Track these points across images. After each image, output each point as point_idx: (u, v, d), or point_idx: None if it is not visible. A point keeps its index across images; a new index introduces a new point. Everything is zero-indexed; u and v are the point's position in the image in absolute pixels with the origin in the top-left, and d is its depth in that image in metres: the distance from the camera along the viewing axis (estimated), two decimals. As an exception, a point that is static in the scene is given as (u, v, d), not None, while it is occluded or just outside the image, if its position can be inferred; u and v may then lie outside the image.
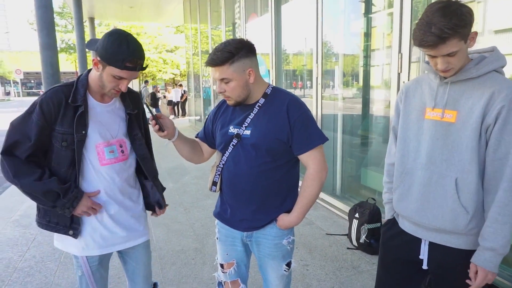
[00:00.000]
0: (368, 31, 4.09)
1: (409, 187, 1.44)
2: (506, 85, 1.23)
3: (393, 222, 1.58)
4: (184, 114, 15.96)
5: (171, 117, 15.11)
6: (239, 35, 7.17)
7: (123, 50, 1.37)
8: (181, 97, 15.77)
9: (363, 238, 2.98)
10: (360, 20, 4.23)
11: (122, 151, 1.59)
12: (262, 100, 1.55)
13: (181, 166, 6.14)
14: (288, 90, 1.94)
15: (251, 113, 1.54)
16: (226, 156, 1.59)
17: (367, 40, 4.11)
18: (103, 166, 1.54)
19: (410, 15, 2.79)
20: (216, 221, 1.74)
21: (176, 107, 16.01)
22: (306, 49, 5.02)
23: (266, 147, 1.50)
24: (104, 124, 1.55)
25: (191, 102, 13.53)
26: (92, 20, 14.95)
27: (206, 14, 9.17)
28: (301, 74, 5.52)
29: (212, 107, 9.33)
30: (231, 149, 1.57)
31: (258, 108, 1.54)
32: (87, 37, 14.69)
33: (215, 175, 1.64)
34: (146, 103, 1.69)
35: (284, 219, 1.56)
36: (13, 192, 5.05)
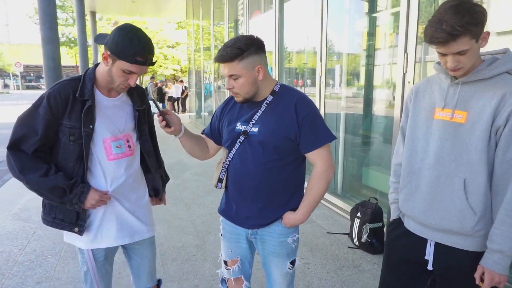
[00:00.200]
0: (373, 31, 4.08)
1: (416, 187, 1.43)
2: None
3: (398, 222, 1.58)
4: (184, 110, 15.94)
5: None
6: (242, 32, 7.15)
7: (134, 45, 1.36)
8: (182, 93, 15.74)
9: (364, 237, 2.98)
10: (365, 19, 4.22)
11: (129, 146, 1.59)
12: (270, 98, 1.54)
13: (181, 162, 6.13)
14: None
15: (259, 110, 1.53)
16: (233, 153, 1.58)
17: (372, 39, 4.09)
18: (110, 161, 1.53)
19: (417, 15, 2.77)
20: (221, 218, 1.74)
21: (176, 103, 15.99)
22: (310, 47, 5.00)
23: (274, 145, 1.49)
24: (111, 119, 1.54)
25: (191, 98, 13.51)
26: (93, 14, 14.89)
27: (208, 10, 9.13)
28: (302, 72, 5.50)
29: (213, 103, 9.31)
30: (238, 146, 1.56)
31: (266, 105, 1.53)
32: (88, 31, 14.64)
33: (221, 171, 1.63)
34: (153, 99, 1.68)
35: (290, 217, 1.56)
36: (13, 185, 5.03)
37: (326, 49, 4.19)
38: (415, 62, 2.85)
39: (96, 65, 1.54)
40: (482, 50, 1.29)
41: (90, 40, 15.15)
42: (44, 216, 1.56)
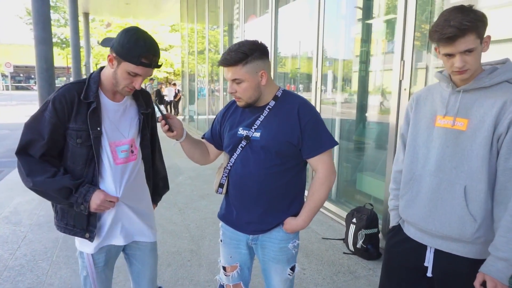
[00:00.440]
0: (369, 37, 4.12)
1: (417, 194, 1.44)
2: None
3: (398, 228, 1.58)
4: (177, 114, 15.86)
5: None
6: (237, 36, 7.16)
7: (139, 46, 1.36)
8: (175, 96, 15.67)
9: (360, 243, 2.98)
10: (361, 26, 4.26)
11: (132, 151, 1.57)
12: (272, 103, 1.54)
13: (175, 166, 6.09)
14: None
15: (261, 115, 1.53)
16: (234, 158, 1.57)
17: (368, 46, 4.14)
18: (117, 165, 1.52)
19: (414, 22, 2.81)
20: (221, 223, 1.72)
21: (169, 106, 15.90)
22: (305, 52, 5.03)
23: (276, 150, 1.49)
24: (116, 123, 1.52)
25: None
26: (86, 15, 14.80)
27: (203, 13, 9.13)
28: (295, 77, 5.53)
29: (207, 107, 9.29)
30: (240, 151, 1.55)
31: (268, 110, 1.53)
32: (81, 32, 14.51)
33: (222, 176, 1.62)
34: (155, 102, 1.66)
35: (291, 222, 1.55)
36: (2, 188, 4.94)
37: (323, 55, 4.22)
38: (411, 69, 2.89)
39: (102, 68, 1.53)
40: (482, 60, 1.31)
41: (82, 42, 15.01)
42: (57, 222, 1.56)
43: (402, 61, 2.93)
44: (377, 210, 3.19)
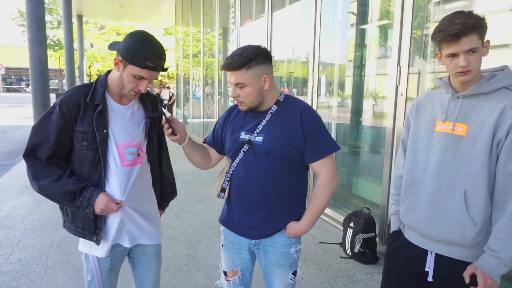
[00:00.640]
0: (365, 42, 4.16)
1: (417, 198, 1.45)
2: None
3: (398, 233, 1.59)
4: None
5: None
6: (232, 40, 7.18)
7: (145, 49, 1.36)
8: (169, 100, 15.61)
9: (357, 247, 2.99)
10: (356, 31, 4.31)
11: (139, 154, 1.57)
12: (274, 107, 1.54)
13: (170, 170, 6.05)
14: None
15: (263, 120, 1.53)
16: (236, 162, 1.57)
17: (364, 51, 4.18)
18: (124, 167, 1.52)
19: (410, 28, 2.84)
20: (222, 227, 1.72)
21: (164, 109, 15.81)
22: (301, 57, 5.06)
23: (279, 154, 1.49)
24: (124, 126, 1.53)
25: (179, 104, 13.41)
26: (80, 17, 14.72)
27: (198, 17, 9.14)
28: (292, 81, 5.55)
29: (201, 110, 9.27)
30: (242, 155, 1.55)
31: (270, 115, 1.54)
32: (75, 34, 14.41)
33: (224, 181, 1.61)
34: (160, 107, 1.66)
35: (293, 227, 1.55)
36: (-5, 191, 4.86)
37: (319, 59, 4.25)
38: (408, 75, 2.92)
39: (109, 71, 1.54)
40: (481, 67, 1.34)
41: (76, 44, 14.91)
42: (68, 224, 1.56)
43: (398, 67, 2.97)
44: (374, 214, 3.21)
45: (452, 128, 1.36)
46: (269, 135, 1.51)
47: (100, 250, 1.54)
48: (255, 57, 1.43)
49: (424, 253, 1.45)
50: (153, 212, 1.70)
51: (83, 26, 15.80)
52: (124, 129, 1.52)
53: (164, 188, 1.80)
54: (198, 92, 9.72)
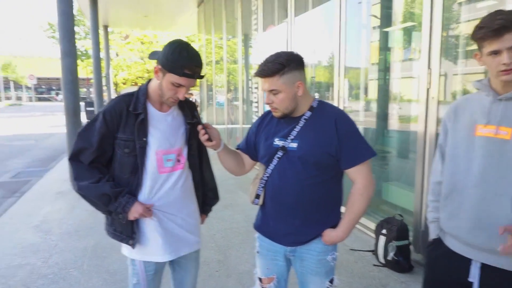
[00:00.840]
0: (394, 45, 4.09)
1: (459, 206, 1.41)
2: None
3: (438, 241, 1.54)
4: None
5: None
6: (255, 46, 7.23)
7: (182, 58, 1.42)
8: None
9: (391, 255, 2.92)
10: (380, 34, 4.24)
11: (179, 160, 1.62)
12: (308, 113, 1.54)
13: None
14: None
15: (297, 126, 1.54)
16: (271, 168, 1.58)
17: (391, 54, 4.11)
18: (161, 174, 1.57)
19: (440, 30, 2.78)
20: (257, 234, 1.72)
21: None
22: (324, 60, 5.03)
23: (314, 160, 1.49)
24: (163, 133, 1.58)
25: (202, 110, 13.59)
26: (106, 28, 15.19)
27: (220, 24, 9.26)
28: (310, 86, 5.52)
29: (225, 116, 9.36)
30: (276, 161, 1.56)
31: (304, 121, 1.54)
32: (101, 44, 14.90)
33: (259, 187, 1.62)
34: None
35: (330, 234, 1.54)
36: (31, 197, 5.08)
37: (345, 63, 4.21)
38: (439, 77, 2.85)
39: (149, 80, 1.61)
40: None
41: (102, 53, 15.41)
42: (107, 227, 1.63)
43: (429, 70, 2.90)
44: (407, 221, 3.13)
45: (495, 131, 1.31)
46: (304, 141, 1.51)
47: (140, 255, 1.60)
48: (288, 64, 1.44)
49: (467, 262, 1.40)
50: (193, 218, 1.73)
51: (108, 36, 16.31)
52: (163, 136, 1.57)
53: (206, 193, 1.84)
54: (221, 98, 9.80)
